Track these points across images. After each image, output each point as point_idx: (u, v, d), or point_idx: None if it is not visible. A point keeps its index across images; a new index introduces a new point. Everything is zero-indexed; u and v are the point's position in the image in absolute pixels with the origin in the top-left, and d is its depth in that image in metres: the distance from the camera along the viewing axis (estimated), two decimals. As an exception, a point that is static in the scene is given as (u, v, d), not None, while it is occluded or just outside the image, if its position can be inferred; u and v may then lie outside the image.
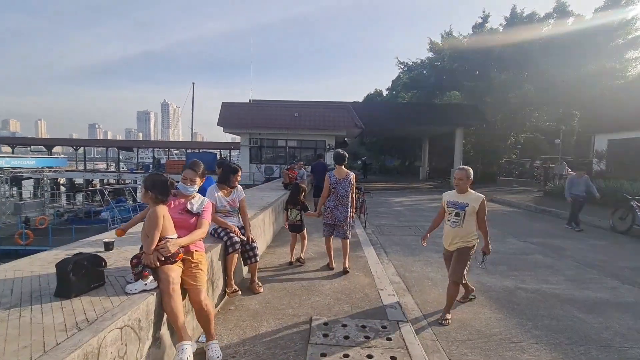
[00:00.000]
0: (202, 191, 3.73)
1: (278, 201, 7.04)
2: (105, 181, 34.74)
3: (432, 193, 17.38)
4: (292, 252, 5.06)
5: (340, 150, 4.89)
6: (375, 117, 20.68)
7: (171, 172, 27.20)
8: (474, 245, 3.46)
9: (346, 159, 4.78)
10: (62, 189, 35.70)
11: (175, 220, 2.49)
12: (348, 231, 4.68)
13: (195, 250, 2.61)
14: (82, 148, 38.21)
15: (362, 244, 6.20)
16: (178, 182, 2.78)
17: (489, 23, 22.61)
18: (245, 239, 3.62)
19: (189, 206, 2.70)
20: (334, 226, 4.68)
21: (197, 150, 37.04)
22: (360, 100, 43.80)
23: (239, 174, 3.78)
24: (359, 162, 34.97)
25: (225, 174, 3.74)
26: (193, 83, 51.97)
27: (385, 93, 44.41)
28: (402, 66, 23.33)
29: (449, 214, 3.52)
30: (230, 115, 18.34)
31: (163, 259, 2.27)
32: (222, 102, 18.38)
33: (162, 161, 38.18)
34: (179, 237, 2.45)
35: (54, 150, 42.26)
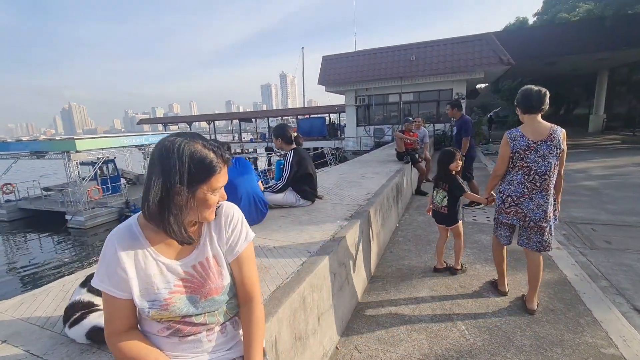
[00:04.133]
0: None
1: (388, 187, 4.21)
2: (233, 150, 38.36)
3: (628, 154, 11.31)
4: (439, 254, 3.19)
5: (532, 86, 2.45)
6: (521, 51, 14.60)
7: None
8: None
9: (546, 100, 2.41)
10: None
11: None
12: (548, 238, 2.45)
13: None
14: (213, 122, 42.75)
15: (573, 284, 2.88)
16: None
17: None
18: None
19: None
20: (514, 229, 2.59)
21: (307, 116, 36.61)
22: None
23: (217, 163, 0.94)
24: (489, 115, 26.72)
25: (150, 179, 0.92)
26: (302, 48, 51.14)
27: (532, 21, 33.73)
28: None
29: None
30: (333, 71, 15.74)
31: None
32: (323, 56, 15.86)
33: (277, 129, 39.34)
34: None
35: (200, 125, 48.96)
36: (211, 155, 0.93)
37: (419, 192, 6.53)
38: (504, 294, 2.73)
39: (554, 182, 2.40)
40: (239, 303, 1.08)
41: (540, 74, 23.81)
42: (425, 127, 7.72)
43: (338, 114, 33.18)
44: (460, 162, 3.07)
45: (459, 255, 3.14)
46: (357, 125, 17.15)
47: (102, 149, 18.32)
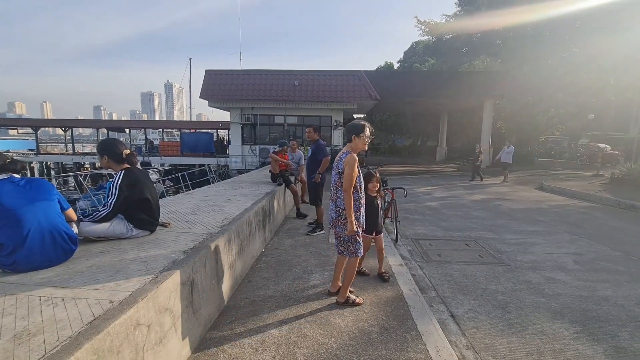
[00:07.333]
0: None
1: (252, 211, 4.01)
2: (97, 164, 32.27)
3: (461, 179, 14.23)
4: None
5: (357, 121, 2.93)
6: (387, 90, 17.16)
7: (166, 154, 24.56)
8: None
9: (360, 132, 2.83)
10: (52, 173, 33.52)
11: None
12: (344, 245, 2.93)
13: None
14: (70, 129, 35.29)
15: (407, 300, 3.19)
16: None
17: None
18: None
19: None
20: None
21: (192, 130, 34.05)
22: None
23: None
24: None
25: None
26: (190, 59, 48.12)
27: (396, 66, 40.30)
28: (423, 27, 19.52)
29: None
30: (216, 86, 15.10)
31: None
32: (206, 70, 15.10)
33: (156, 143, 35.23)
34: None
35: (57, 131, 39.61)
36: None
37: (299, 215, 6.48)
38: (333, 294, 3.15)
39: (341, 196, 2.79)
40: None
41: (403, 111, 28.37)
42: (300, 149, 7.94)
43: (227, 130, 31.98)
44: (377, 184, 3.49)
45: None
46: (243, 144, 16.78)
47: None
